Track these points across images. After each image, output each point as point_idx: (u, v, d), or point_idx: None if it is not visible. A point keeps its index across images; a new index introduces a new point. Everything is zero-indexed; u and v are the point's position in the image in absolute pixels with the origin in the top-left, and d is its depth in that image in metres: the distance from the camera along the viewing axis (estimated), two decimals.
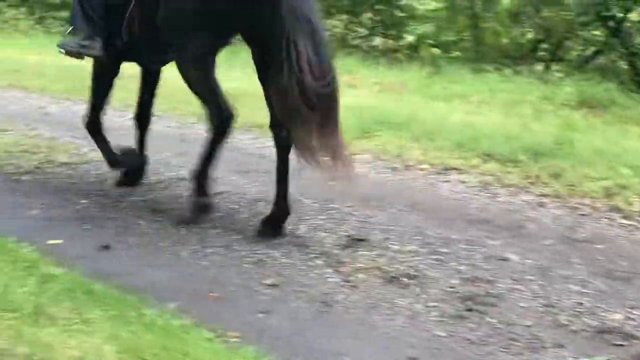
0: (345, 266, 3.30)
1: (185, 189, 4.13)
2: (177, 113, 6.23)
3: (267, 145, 4.36)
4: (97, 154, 4.98)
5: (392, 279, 3.16)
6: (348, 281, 3.16)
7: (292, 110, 3.40)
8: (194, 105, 5.69)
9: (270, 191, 3.75)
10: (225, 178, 4.33)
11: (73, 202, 4.16)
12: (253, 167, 4.79)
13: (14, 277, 2.78)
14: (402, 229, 3.77)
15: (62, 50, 4.24)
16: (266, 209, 3.82)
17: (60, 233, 3.64)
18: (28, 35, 12.90)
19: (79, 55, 4.20)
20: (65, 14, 17.64)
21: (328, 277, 3.19)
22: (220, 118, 3.65)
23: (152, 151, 4.56)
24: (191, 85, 3.79)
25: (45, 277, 2.82)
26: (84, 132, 5.44)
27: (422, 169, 4.88)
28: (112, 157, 4.33)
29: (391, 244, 3.58)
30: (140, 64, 4.33)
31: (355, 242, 3.59)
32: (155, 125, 5.84)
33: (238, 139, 4.82)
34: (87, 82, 4.32)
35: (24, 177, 4.58)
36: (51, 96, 6.79)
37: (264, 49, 3.62)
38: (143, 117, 4.45)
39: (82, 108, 6.31)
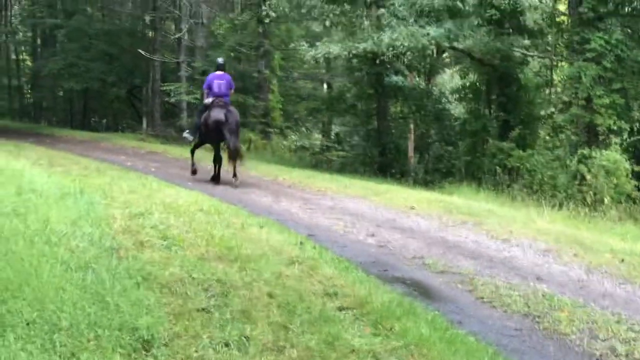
0: None
1: None
2: None
3: None
4: None
5: None
6: None
7: (234, 152, 13.21)
8: None
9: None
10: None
11: None
12: None
13: None
14: None
15: (184, 137, 15.47)
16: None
17: None
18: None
19: (188, 140, 15.01)
20: None
21: None
22: (217, 159, 13.78)
23: None
24: (214, 149, 13.90)
25: None
26: None
27: None
28: (193, 166, 14.03)
29: None
30: (209, 143, 14.12)
31: None
32: None
33: None
34: None
35: None
36: None
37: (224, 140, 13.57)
38: (217, 160, 13.59)
39: None
